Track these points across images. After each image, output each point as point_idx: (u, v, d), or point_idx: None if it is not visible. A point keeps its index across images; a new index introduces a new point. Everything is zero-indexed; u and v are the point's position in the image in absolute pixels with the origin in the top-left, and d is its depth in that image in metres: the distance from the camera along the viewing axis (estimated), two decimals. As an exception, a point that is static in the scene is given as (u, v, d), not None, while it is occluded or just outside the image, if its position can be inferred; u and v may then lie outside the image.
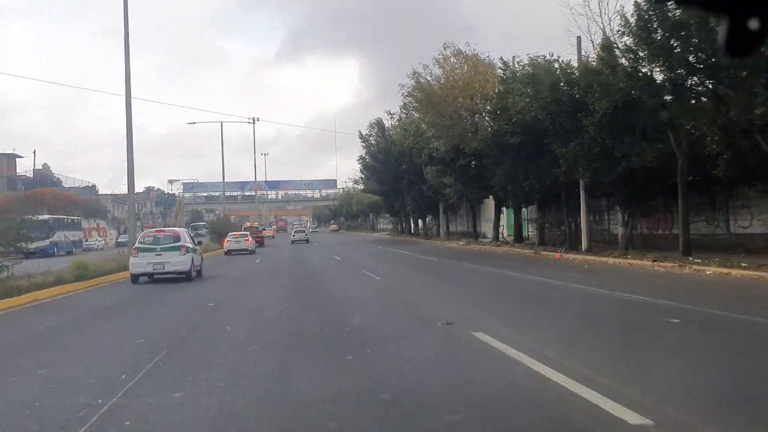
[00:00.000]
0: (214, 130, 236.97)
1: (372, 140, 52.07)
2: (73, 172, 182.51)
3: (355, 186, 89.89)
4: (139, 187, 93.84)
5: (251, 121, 63.03)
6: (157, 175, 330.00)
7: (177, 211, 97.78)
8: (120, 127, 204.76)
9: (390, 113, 53.46)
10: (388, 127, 49.94)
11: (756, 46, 1.45)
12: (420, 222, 59.78)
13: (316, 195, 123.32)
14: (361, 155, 54.49)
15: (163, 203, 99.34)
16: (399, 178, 47.41)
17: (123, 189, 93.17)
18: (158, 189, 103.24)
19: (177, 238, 18.43)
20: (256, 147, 70.42)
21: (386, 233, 75.09)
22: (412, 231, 60.73)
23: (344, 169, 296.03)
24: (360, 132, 59.38)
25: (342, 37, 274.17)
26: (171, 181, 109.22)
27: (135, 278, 18.04)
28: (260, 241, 45.69)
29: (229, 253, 36.09)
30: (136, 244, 18.52)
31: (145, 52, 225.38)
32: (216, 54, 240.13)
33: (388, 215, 78.55)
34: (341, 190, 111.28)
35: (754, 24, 1.41)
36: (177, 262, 17.78)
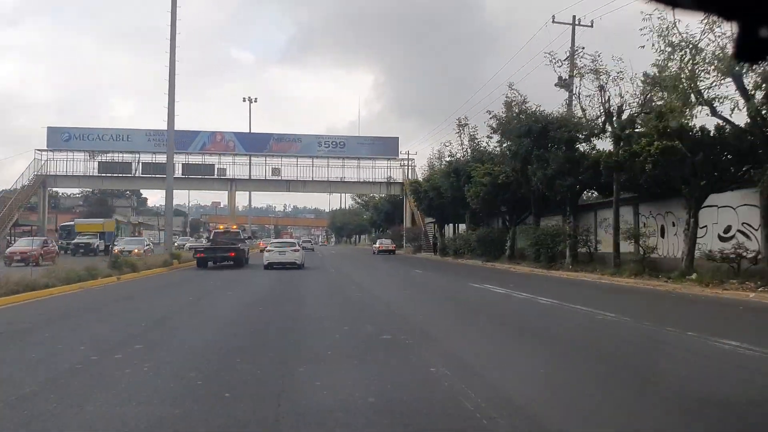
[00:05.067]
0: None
1: None
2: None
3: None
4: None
5: None
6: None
7: (21, 196, 47.63)
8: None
9: None
10: None
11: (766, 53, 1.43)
12: None
13: (341, 175, 54.89)
14: None
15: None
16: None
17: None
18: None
19: None
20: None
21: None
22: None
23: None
24: None
25: (356, 45, 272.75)
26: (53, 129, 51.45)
27: None
28: (233, 256, 29.22)
29: (270, 267, 27.33)
30: None
31: (156, 57, 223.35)
32: (225, 62, 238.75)
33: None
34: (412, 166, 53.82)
35: (764, 32, 1.38)
36: None
